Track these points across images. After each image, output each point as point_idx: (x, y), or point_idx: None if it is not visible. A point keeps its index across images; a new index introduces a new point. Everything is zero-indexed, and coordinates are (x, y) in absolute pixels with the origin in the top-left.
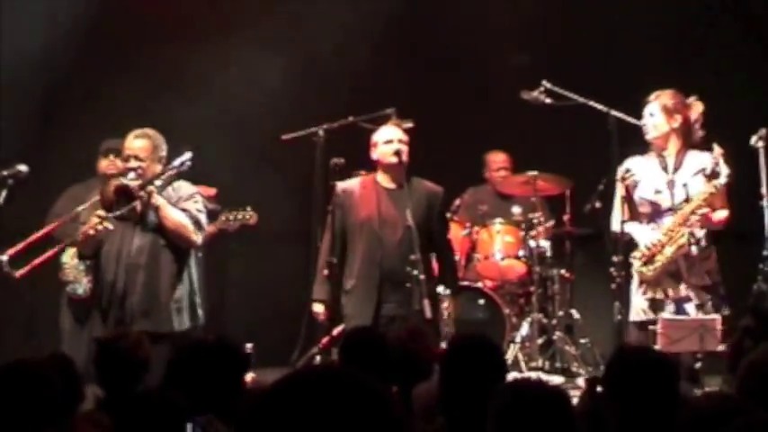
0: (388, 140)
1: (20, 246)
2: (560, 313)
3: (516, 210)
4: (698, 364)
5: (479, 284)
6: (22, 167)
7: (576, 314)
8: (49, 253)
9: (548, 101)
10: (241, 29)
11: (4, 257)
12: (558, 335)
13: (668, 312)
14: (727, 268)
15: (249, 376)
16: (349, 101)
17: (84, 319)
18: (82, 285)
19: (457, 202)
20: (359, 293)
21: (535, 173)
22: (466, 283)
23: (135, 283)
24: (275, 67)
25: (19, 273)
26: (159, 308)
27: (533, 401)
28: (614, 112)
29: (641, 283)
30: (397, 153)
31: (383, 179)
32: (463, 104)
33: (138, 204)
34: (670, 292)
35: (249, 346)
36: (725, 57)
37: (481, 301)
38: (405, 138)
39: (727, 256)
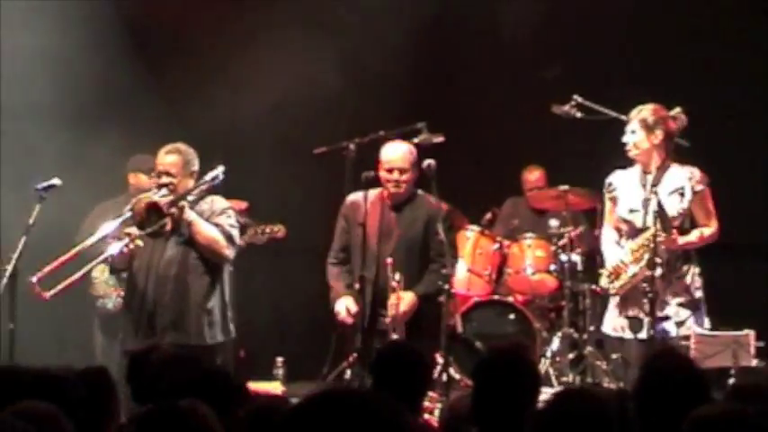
0: (389, 170)
1: (48, 268)
2: (591, 328)
3: (554, 223)
4: (731, 380)
5: (510, 299)
6: (56, 181)
7: None
8: (79, 274)
9: (579, 115)
10: (272, 41)
11: (34, 279)
12: (588, 350)
13: (644, 332)
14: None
15: (280, 389)
16: (380, 115)
17: (115, 333)
18: (112, 300)
19: (488, 216)
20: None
21: (566, 187)
22: (496, 297)
23: (164, 294)
24: (306, 82)
25: (49, 294)
26: (189, 320)
27: (581, 411)
28: None
29: (619, 300)
30: (396, 183)
31: (387, 196)
32: (494, 118)
33: (168, 221)
34: (645, 310)
35: (279, 360)
36: (759, 73)
37: (512, 316)
38: (406, 165)
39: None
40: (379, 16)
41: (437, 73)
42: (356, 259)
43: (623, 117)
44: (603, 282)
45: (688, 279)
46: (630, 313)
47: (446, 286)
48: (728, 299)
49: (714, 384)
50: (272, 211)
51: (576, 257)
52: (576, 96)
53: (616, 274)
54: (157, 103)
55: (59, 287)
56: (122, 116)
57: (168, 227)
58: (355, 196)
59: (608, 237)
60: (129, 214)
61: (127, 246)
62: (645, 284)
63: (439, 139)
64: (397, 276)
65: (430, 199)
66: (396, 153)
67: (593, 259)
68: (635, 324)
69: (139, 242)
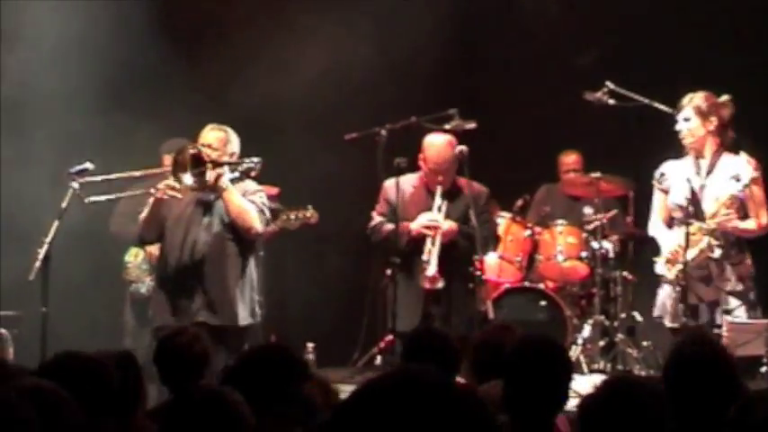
0: (435, 169)
1: (99, 178)
2: (622, 315)
3: (588, 211)
4: (763, 368)
5: (541, 286)
6: (89, 165)
7: (638, 316)
8: (120, 195)
9: (611, 102)
10: (305, 26)
11: (76, 184)
12: (619, 337)
13: (704, 317)
14: None
15: None
16: (412, 101)
17: (147, 318)
18: (145, 285)
19: (519, 202)
20: (406, 291)
21: (598, 174)
22: (527, 284)
23: (196, 276)
24: (338, 67)
25: (90, 199)
26: (223, 302)
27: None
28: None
29: (674, 287)
30: (442, 184)
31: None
32: (526, 105)
33: (209, 173)
34: (703, 296)
35: (310, 345)
36: None
37: (543, 303)
38: (451, 161)
39: None
40: (413, 0)
41: (469, 58)
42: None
43: (656, 104)
44: (660, 268)
45: (741, 268)
46: (689, 300)
47: (477, 272)
48: None
49: (746, 372)
50: (304, 197)
51: (607, 244)
52: (608, 83)
53: (674, 260)
54: (190, 89)
55: (102, 197)
56: (156, 101)
57: (206, 179)
58: (395, 181)
59: (659, 224)
60: (167, 168)
61: (164, 191)
62: (702, 270)
63: (471, 125)
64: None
65: (471, 183)
66: (444, 155)
67: (625, 246)
68: (693, 310)
69: (177, 194)
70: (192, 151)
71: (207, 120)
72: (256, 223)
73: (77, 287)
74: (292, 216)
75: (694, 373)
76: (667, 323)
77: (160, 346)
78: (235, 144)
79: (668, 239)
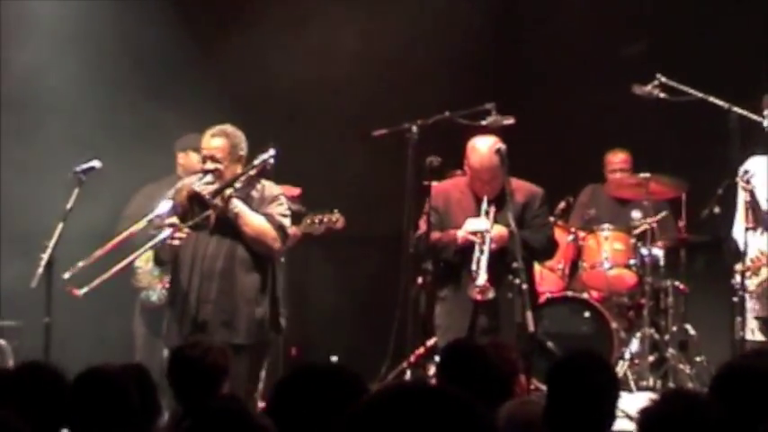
0: (480, 177)
1: (83, 263)
2: (674, 328)
3: (636, 215)
4: None
5: (585, 295)
6: (96, 163)
7: (691, 330)
8: (118, 267)
9: (662, 96)
10: (330, 18)
11: (66, 275)
12: (671, 352)
13: None
14: None
15: None
16: (445, 95)
17: (159, 328)
18: (156, 292)
19: (562, 205)
20: (454, 303)
21: (647, 174)
22: (570, 293)
23: (211, 291)
24: (366, 59)
25: (82, 291)
26: (239, 318)
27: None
28: (736, 109)
29: (751, 298)
30: (489, 192)
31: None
32: (570, 100)
33: (212, 213)
34: None
35: (334, 359)
36: None
37: (586, 314)
38: (498, 170)
39: None
40: None
41: (507, 50)
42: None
43: (712, 98)
44: (742, 278)
45: None
46: (764, 314)
47: (516, 281)
48: None
49: None
50: (328, 198)
51: (657, 251)
52: (659, 75)
53: (755, 269)
54: (209, 80)
55: (94, 283)
56: (173, 94)
57: (212, 219)
58: (443, 186)
59: (742, 228)
60: (169, 205)
61: (172, 236)
62: None
63: (509, 121)
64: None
65: (523, 184)
66: (488, 164)
67: (677, 253)
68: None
69: (182, 234)
70: (189, 192)
71: (225, 112)
72: (276, 244)
73: (83, 295)
74: (316, 220)
75: (740, 386)
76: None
77: (171, 359)
78: (241, 146)
79: (751, 243)
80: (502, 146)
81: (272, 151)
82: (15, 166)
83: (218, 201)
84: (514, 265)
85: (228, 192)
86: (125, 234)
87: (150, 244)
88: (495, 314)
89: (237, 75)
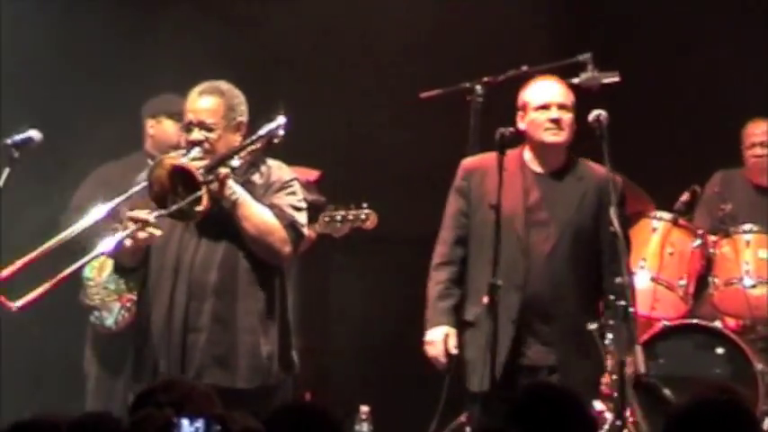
0: (543, 105)
1: (10, 269)
2: None
3: None
4: None
5: (717, 324)
6: (34, 134)
7: None
8: (60, 276)
9: None
10: None
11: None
12: None
13: None
14: None
15: None
16: (521, 45)
17: (118, 364)
18: (113, 313)
19: (684, 196)
20: (487, 328)
21: None
22: (696, 321)
23: (200, 314)
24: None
25: (17, 304)
26: (237, 353)
27: None
28: None
29: None
30: (556, 124)
31: (532, 160)
32: (693, 51)
33: (204, 197)
34: None
35: (364, 410)
36: None
37: (720, 350)
38: (569, 101)
39: None
40: None
41: None
42: (483, 257)
43: None
44: None
45: None
46: None
47: (621, 302)
48: None
49: None
50: (356, 186)
51: None
52: None
53: None
54: (198, 26)
55: (32, 295)
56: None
57: (203, 206)
58: (478, 160)
59: None
60: (142, 185)
61: (133, 236)
62: None
63: (613, 78)
64: None
65: (595, 165)
66: (552, 86)
67: None
68: None
69: (155, 230)
70: (172, 165)
71: (211, 73)
72: (285, 248)
73: (15, 317)
74: (338, 217)
75: None
76: None
77: (135, 406)
78: (240, 108)
79: None
80: (602, 113)
81: (281, 119)
82: None
83: (211, 181)
84: (617, 279)
85: (224, 170)
86: (67, 233)
87: (100, 248)
88: (575, 345)
89: (240, 25)
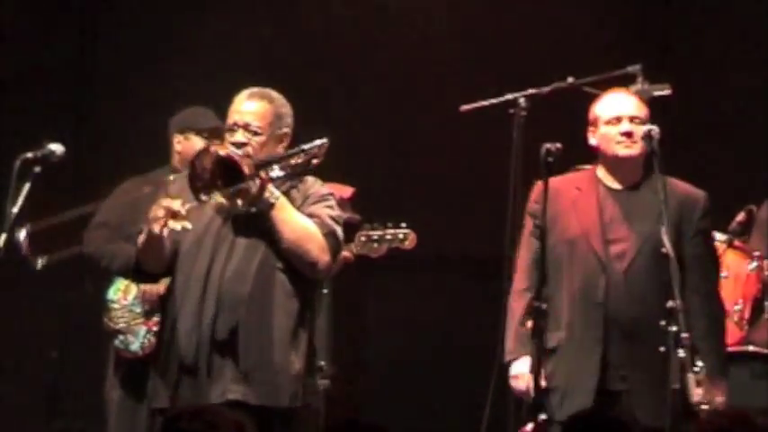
0: (615, 118)
1: (45, 223)
2: None
3: None
4: None
5: None
6: (56, 147)
7: None
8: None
9: None
10: None
11: (22, 234)
12: None
13: None
14: None
15: None
16: (567, 55)
17: (141, 389)
18: (138, 337)
19: (739, 217)
20: (572, 352)
21: None
22: (752, 348)
23: (230, 325)
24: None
25: (41, 262)
26: (268, 369)
27: None
28: None
29: None
30: (629, 137)
31: (607, 176)
32: (750, 60)
33: (252, 187)
34: None
35: None
36: None
37: None
38: (644, 113)
39: None
40: None
41: None
42: (559, 281)
43: None
44: None
45: None
46: None
47: (672, 327)
48: None
49: None
50: (393, 203)
51: None
52: None
53: None
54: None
55: (61, 253)
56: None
57: (240, 202)
58: (553, 181)
59: None
60: (179, 177)
61: (161, 225)
62: None
63: (664, 91)
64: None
65: (677, 182)
66: (624, 98)
67: None
68: None
69: (185, 223)
70: (220, 153)
71: (240, 79)
72: (324, 257)
73: (34, 341)
74: (375, 237)
75: None
76: None
77: (168, 429)
78: (287, 119)
79: None
80: (653, 128)
81: (323, 140)
82: None
83: (254, 177)
84: (670, 304)
85: (265, 173)
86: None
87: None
88: (641, 371)
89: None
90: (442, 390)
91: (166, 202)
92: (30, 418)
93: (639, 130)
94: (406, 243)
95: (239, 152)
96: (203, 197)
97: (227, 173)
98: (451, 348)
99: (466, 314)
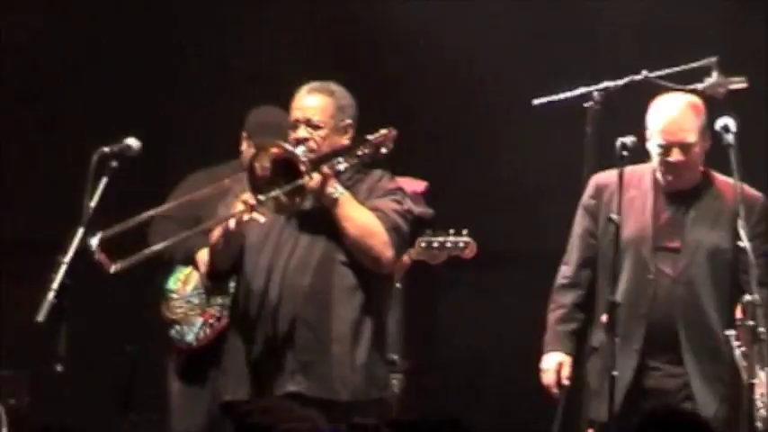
0: (666, 146)
1: (119, 227)
2: None
3: None
4: None
5: None
6: (133, 142)
7: None
8: (170, 241)
9: None
10: None
11: (95, 240)
12: None
13: None
14: None
15: None
16: (641, 48)
17: (199, 380)
18: (194, 328)
19: None
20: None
21: None
22: None
23: (291, 317)
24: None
25: (116, 266)
26: (330, 361)
27: None
28: None
29: None
30: (674, 168)
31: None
32: None
33: (304, 189)
34: None
35: None
36: None
37: None
38: (694, 135)
39: None
40: None
41: None
42: (604, 275)
43: None
44: None
45: None
46: None
47: (749, 322)
48: None
49: None
50: (460, 201)
51: None
52: None
53: None
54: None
55: (134, 258)
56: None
57: (300, 200)
58: (610, 176)
59: None
60: (236, 180)
61: (239, 219)
62: None
63: (740, 84)
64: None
65: (732, 183)
66: (674, 120)
67: None
68: None
69: (260, 216)
70: (275, 151)
71: (305, 76)
72: (387, 252)
73: (111, 334)
74: (436, 243)
75: None
76: None
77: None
78: (349, 111)
79: None
80: (729, 122)
81: (391, 131)
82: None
83: (315, 175)
84: (746, 298)
85: (328, 169)
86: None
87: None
88: (699, 370)
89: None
90: (516, 387)
91: (245, 196)
92: (105, 410)
93: (689, 158)
94: (466, 251)
95: (298, 150)
96: (262, 197)
97: (286, 171)
98: (525, 345)
99: (540, 310)
